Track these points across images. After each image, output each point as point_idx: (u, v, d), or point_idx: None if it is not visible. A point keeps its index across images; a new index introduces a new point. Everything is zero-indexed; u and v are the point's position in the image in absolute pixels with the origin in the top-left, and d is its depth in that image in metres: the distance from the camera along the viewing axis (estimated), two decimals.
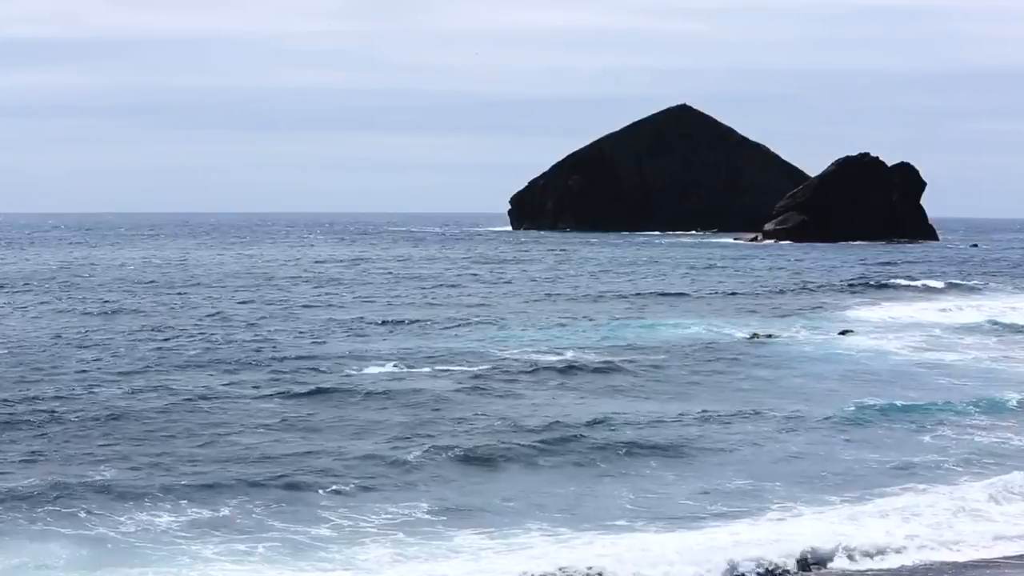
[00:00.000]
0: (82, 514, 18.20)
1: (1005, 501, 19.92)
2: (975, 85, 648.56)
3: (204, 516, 18.34)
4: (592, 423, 25.47)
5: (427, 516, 18.77)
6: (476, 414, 26.55)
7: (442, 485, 20.69)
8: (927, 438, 25.17)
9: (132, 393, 28.25)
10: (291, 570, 16.24)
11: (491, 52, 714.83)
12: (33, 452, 22.18)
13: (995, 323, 47.33)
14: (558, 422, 25.50)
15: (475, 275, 76.38)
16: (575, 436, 24.13)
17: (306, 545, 17.28)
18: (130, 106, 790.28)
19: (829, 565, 16.96)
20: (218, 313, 48.17)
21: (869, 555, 17.29)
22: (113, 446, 22.81)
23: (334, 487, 20.07)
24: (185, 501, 19.00)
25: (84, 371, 31.75)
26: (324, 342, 38.95)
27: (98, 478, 20.20)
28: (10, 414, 25.47)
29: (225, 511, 18.63)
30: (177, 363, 33.50)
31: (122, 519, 18.12)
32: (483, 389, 29.76)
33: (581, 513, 19.17)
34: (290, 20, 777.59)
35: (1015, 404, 28.81)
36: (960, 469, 22.48)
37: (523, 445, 23.25)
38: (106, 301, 53.29)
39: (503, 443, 23.38)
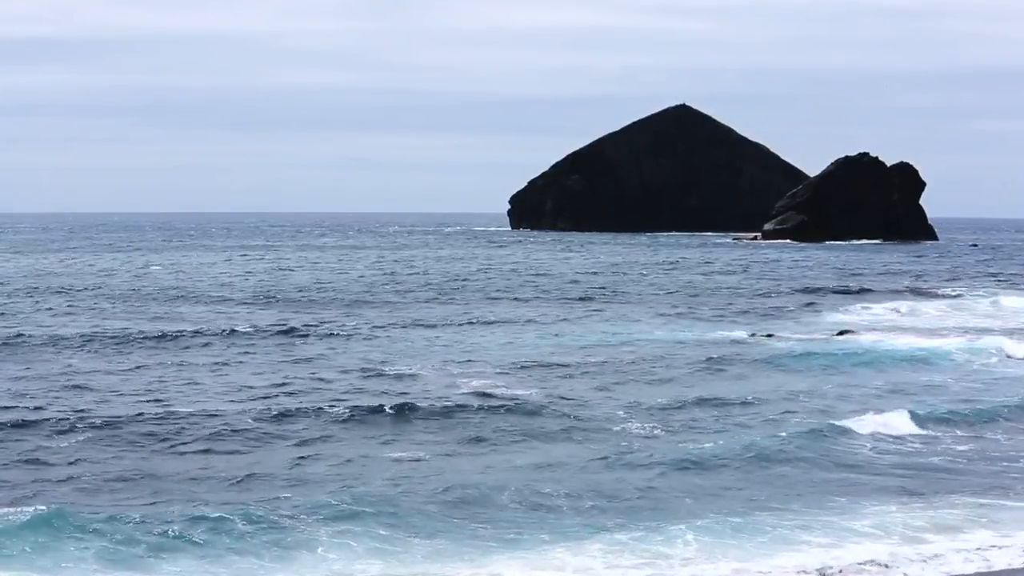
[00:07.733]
0: None
1: None
2: (975, 85, 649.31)
3: None
4: None
5: None
6: None
7: None
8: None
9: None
10: None
11: (491, 52, 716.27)
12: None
13: (995, 323, 47.26)
14: None
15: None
16: None
17: None
18: (130, 106, 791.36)
19: None
20: None
21: None
22: None
23: None
24: None
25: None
26: None
27: None
28: None
29: None
30: None
31: None
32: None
33: None
34: (290, 20, 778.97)
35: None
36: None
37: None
38: None
39: None
